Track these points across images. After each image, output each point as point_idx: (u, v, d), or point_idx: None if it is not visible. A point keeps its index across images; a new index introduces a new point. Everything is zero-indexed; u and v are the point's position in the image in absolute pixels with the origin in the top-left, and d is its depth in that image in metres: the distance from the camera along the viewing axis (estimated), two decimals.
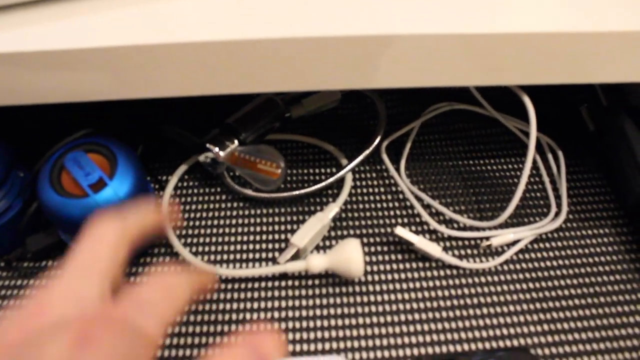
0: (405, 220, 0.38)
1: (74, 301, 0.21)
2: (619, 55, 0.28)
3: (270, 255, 0.36)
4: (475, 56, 0.27)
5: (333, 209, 0.37)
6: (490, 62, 0.28)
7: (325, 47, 0.26)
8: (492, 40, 0.27)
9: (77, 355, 0.19)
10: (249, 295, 0.34)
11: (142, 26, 0.26)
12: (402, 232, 0.35)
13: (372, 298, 0.34)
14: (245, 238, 0.37)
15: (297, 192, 0.38)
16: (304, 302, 0.34)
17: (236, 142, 0.38)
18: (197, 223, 0.38)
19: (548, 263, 0.36)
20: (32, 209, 0.34)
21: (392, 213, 0.38)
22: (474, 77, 0.30)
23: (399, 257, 0.36)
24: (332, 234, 0.37)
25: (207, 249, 0.37)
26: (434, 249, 0.35)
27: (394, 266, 0.36)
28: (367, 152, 0.39)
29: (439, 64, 0.28)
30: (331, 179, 0.38)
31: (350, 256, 0.33)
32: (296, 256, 0.35)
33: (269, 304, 0.34)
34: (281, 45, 0.26)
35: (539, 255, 0.36)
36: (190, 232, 0.38)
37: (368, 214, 0.38)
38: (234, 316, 0.33)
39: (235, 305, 0.34)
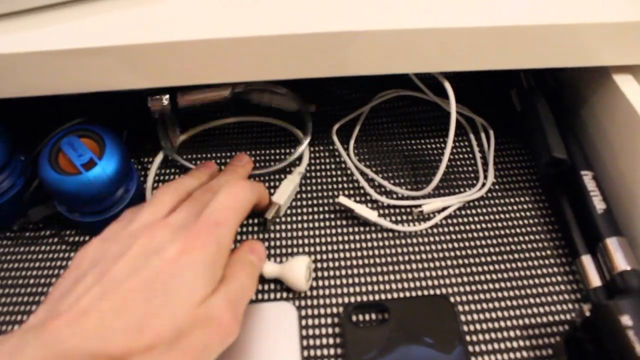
0: (351, 192, 0.44)
1: (193, 215, 0.32)
2: (537, 45, 0.35)
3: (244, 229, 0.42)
4: (410, 49, 0.34)
5: (299, 171, 0.44)
6: (423, 54, 0.35)
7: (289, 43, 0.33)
8: (424, 35, 0.33)
9: (183, 258, 0.29)
10: None
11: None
12: (343, 200, 0.41)
13: (317, 257, 0.40)
14: None
15: (267, 170, 0.45)
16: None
17: (167, 95, 0.43)
18: None
19: (472, 226, 0.42)
20: (34, 185, 0.41)
21: (340, 186, 0.44)
22: (409, 66, 0.36)
23: (343, 222, 0.42)
24: (290, 212, 0.44)
25: None
26: (371, 215, 0.41)
27: (338, 230, 0.42)
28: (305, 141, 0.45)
29: (384, 55, 0.34)
30: (291, 157, 0.45)
31: (297, 274, 0.37)
32: (277, 212, 0.41)
33: None
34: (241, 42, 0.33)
35: (465, 220, 0.42)
36: None
37: (320, 187, 0.45)
38: None
39: None
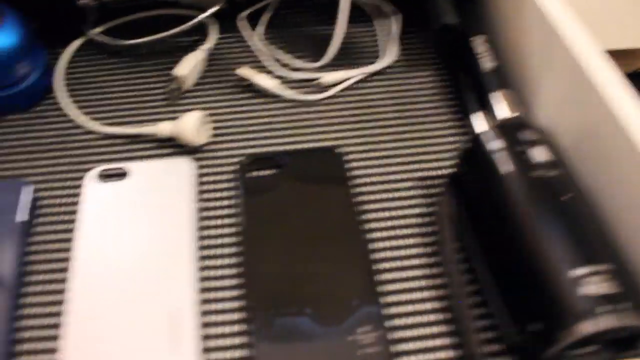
0: (256, 69, 0.44)
1: None
2: None
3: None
4: None
5: (204, 48, 0.44)
6: None
7: None
8: None
9: None
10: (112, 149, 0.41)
11: None
12: (244, 71, 0.42)
13: (216, 131, 0.41)
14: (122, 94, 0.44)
15: (166, 33, 0.44)
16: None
17: None
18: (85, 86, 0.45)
19: (372, 97, 0.43)
20: None
21: (244, 62, 0.45)
22: None
23: (244, 96, 0.43)
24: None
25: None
26: (271, 84, 0.42)
27: (239, 102, 0.43)
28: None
29: None
30: (191, 22, 0.44)
31: (190, 127, 0.38)
32: (179, 87, 0.42)
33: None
34: None
35: (365, 91, 0.43)
36: (79, 92, 0.44)
37: (224, 64, 0.45)
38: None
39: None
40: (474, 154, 0.34)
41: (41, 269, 0.35)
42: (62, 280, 0.34)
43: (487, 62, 0.40)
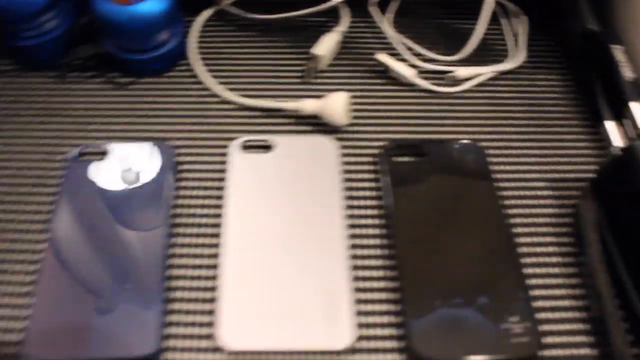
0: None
1: None
2: None
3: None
4: None
5: (339, 30, 0.45)
6: None
7: None
8: None
9: None
10: (250, 120, 0.41)
11: None
12: (382, 57, 0.42)
13: (354, 114, 0.42)
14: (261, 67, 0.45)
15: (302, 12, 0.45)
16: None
17: None
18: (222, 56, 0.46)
19: (503, 95, 0.44)
20: (82, 22, 0.42)
21: (377, 49, 0.45)
22: None
23: (378, 81, 0.44)
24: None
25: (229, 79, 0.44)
26: (407, 72, 0.42)
27: (374, 87, 0.43)
28: None
29: None
30: (325, 5, 0.44)
31: (336, 107, 0.39)
32: (315, 66, 0.43)
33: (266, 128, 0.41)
34: None
35: (496, 88, 0.44)
36: (211, 61, 0.45)
37: (358, 50, 0.46)
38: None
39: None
40: (625, 162, 0.35)
41: (186, 232, 0.36)
42: (202, 245, 0.35)
43: (627, 72, 0.41)
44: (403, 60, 0.44)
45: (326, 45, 0.43)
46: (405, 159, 0.38)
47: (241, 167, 0.38)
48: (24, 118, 0.41)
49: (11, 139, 0.40)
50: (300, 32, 0.47)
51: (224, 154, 0.39)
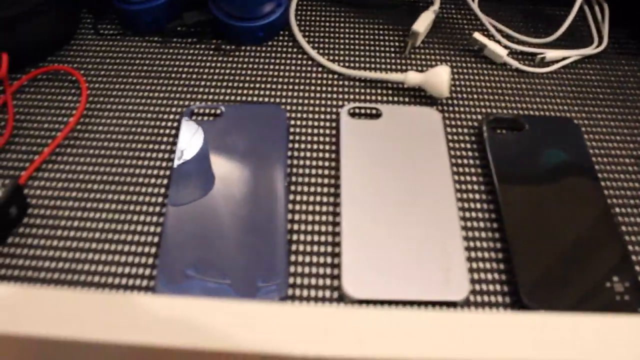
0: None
1: None
2: None
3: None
4: None
5: (434, 9, 0.47)
6: None
7: None
8: None
9: None
10: (354, 90, 0.44)
11: None
12: (478, 36, 0.44)
13: (450, 101, 0.44)
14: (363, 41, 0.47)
15: None
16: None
17: None
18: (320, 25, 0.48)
19: (588, 77, 0.46)
20: None
21: (469, 31, 0.48)
22: None
23: (472, 59, 0.46)
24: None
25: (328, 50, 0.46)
26: (501, 51, 0.44)
27: (468, 64, 0.45)
28: None
29: None
30: None
31: (440, 79, 0.41)
32: (414, 42, 0.45)
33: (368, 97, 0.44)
34: None
35: (581, 71, 0.46)
36: (313, 32, 0.47)
37: (450, 29, 0.48)
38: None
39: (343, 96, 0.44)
40: None
41: (303, 190, 0.38)
42: (319, 203, 0.37)
43: None
44: (496, 41, 0.47)
45: (424, 22, 0.45)
46: (504, 132, 0.41)
47: (353, 131, 0.39)
48: (132, 79, 0.43)
49: (122, 99, 0.42)
50: (391, 10, 0.49)
51: (332, 120, 0.41)
